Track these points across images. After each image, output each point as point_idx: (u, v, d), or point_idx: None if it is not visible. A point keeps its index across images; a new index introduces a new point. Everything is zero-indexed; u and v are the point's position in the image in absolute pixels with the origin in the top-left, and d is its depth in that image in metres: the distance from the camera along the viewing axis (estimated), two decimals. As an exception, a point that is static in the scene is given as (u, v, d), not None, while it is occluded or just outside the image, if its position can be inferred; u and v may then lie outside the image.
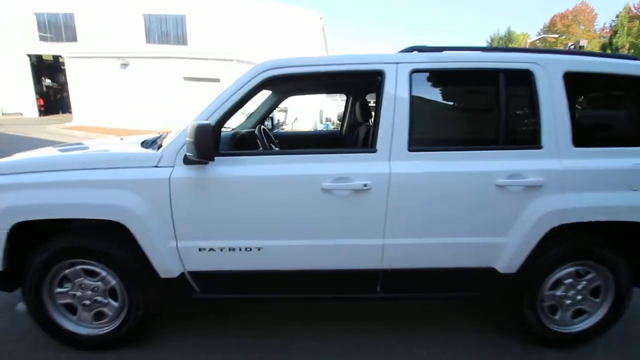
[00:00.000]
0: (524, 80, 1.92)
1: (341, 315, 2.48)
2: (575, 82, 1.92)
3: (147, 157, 1.90)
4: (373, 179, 1.83)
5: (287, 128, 13.49)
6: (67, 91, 16.59)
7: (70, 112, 16.25)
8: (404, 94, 1.87)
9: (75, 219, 1.92)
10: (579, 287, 2.05)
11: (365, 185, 1.82)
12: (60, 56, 17.19)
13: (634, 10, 32.12)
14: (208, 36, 17.25)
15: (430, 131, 2.05)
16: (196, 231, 1.86)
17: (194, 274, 1.94)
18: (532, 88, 1.90)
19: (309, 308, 2.54)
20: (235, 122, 3.53)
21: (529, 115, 1.97)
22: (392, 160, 1.86)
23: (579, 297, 2.07)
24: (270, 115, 3.81)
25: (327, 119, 18.83)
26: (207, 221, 1.85)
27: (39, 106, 20.38)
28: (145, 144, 2.27)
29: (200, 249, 1.88)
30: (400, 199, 1.86)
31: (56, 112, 21.61)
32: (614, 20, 32.59)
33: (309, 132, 8.23)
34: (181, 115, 8.22)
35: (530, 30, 53.05)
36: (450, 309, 2.58)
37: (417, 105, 1.89)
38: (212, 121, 1.81)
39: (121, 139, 2.78)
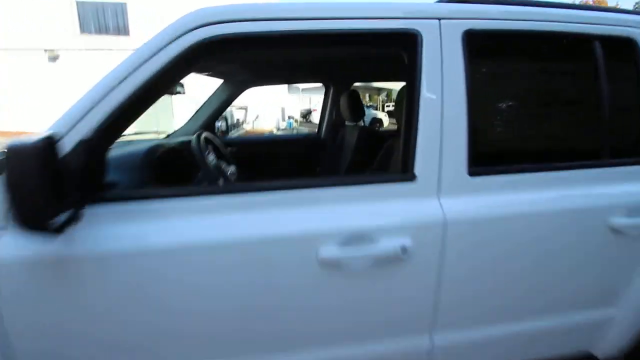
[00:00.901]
0: (624, 54, 1.19)
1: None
2: None
3: None
4: (415, 234, 0.97)
5: (247, 128, 12.37)
6: (-16, 90, 14.19)
7: (-11, 114, 13.92)
8: (456, 72, 1.02)
9: None
10: None
11: (403, 249, 0.96)
12: (-28, 49, 14.64)
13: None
14: (154, 27, 15.51)
15: (501, 139, 1.18)
16: None
17: None
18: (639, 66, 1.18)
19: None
20: (174, 124, 2.52)
21: (634, 110, 1.23)
22: (444, 195, 1.01)
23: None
24: (224, 115, 2.82)
25: (289, 117, 17.80)
26: (83, 345, 0.90)
27: (-50, 108, 17.43)
28: None
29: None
30: (463, 265, 1.02)
31: (-26, 115, 18.64)
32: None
33: (277, 135, 6.97)
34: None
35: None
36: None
37: (477, 94, 1.06)
38: (84, 130, 0.86)
39: None
